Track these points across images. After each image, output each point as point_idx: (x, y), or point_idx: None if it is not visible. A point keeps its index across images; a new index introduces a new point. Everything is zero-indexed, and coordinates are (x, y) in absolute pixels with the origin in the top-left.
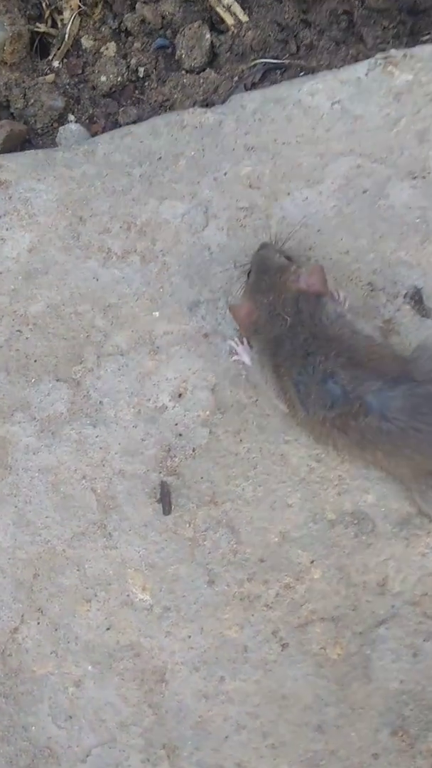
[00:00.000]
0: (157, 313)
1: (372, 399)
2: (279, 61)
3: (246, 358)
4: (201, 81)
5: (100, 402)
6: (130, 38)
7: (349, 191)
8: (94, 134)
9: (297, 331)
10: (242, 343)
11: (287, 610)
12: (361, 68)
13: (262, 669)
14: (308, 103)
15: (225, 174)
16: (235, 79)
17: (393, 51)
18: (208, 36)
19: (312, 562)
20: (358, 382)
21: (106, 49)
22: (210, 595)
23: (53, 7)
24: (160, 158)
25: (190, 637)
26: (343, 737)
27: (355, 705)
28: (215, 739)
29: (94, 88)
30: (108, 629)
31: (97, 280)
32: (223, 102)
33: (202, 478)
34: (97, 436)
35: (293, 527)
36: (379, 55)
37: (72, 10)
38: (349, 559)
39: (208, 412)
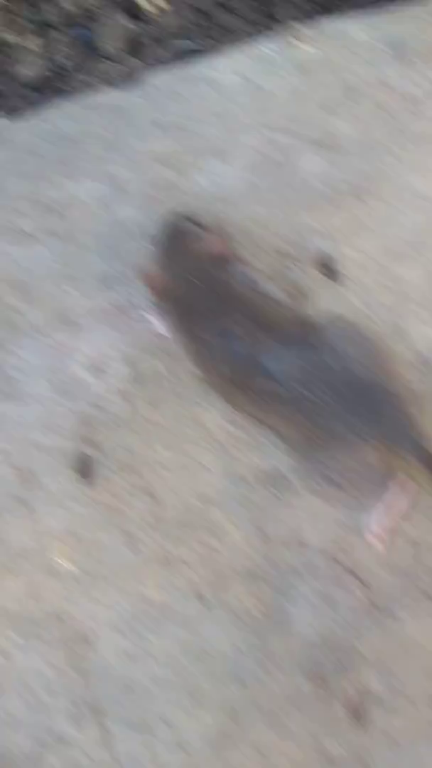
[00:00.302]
0: (71, 289)
1: (267, 361)
2: (197, 45)
3: (161, 327)
4: (121, 68)
5: (16, 378)
6: (51, 30)
7: (260, 164)
8: None
9: (207, 294)
10: (156, 313)
11: (208, 569)
12: (269, 44)
13: (184, 627)
14: (218, 80)
15: (137, 152)
16: (155, 64)
17: (299, 26)
18: (128, 25)
19: (231, 521)
20: (258, 343)
21: (28, 41)
22: (131, 559)
23: None
24: (72, 140)
25: (112, 600)
26: (262, 687)
27: (273, 656)
28: (140, 698)
29: (15, 80)
30: (32, 598)
31: (10, 259)
32: (134, 83)
33: (121, 447)
34: (13, 412)
35: (212, 489)
36: (286, 31)
37: None
38: (266, 516)
39: (125, 384)
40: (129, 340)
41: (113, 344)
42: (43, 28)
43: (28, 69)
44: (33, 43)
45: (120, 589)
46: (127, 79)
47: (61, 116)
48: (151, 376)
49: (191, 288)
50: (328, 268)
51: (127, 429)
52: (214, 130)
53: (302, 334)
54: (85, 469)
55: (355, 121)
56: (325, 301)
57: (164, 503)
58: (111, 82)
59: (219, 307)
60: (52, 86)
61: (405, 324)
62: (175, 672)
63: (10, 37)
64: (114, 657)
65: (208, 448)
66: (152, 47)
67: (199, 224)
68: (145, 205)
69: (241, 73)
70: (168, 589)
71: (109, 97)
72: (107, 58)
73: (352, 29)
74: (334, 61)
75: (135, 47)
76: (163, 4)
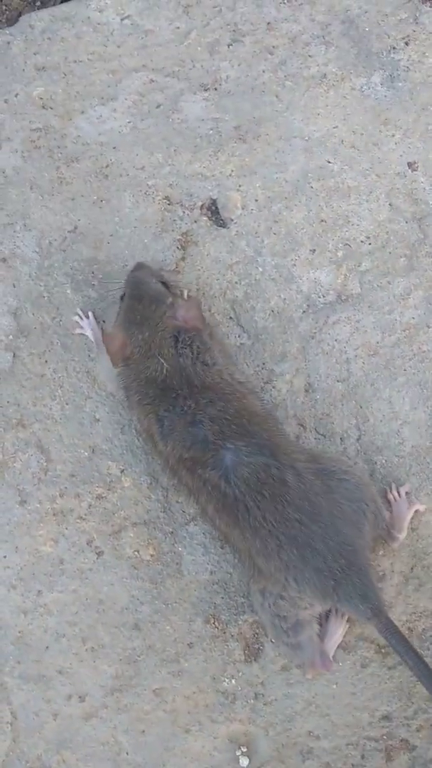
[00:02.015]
0: None
1: (226, 455)
2: None
3: (89, 333)
4: (3, 8)
5: None
6: None
7: (143, 107)
8: None
9: (173, 376)
10: (87, 317)
11: (100, 519)
12: None
13: (79, 578)
14: (98, 20)
15: (16, 96)
16: (34, 5)
17: None
18: None
19: (122, 471)
20: (223, 436)
21: None
22: (22, 514)
23: None
24: None
25: (5, 557)
26: (158, 632)
27: (169, 600)
28: (36, 651)
29: None
30: None
31: None
32: (11, 24)
33: (8, 402)
34: None
35: (102, 440)
36: None
37: None
38: (158, 464)
39: (10, 336)
40: (13, 291)
41: None
42: None
43: None
44: None
45: (12, 546)
46: (4, 20)
47: None
48: (38, 328)
49: (156, 367)
50: (216, 214)
51: (14, 383)
52: (96, 73)
53: (272, 446)
54: None
55: (240, 63)
56: (215, 249)
57: (54, 457)
58: None
59: (183, 389)
60: None
61: (293, 268)
62: (71, 624)
63: None
64: (8, 613)
65: (98, 399)
66: None
67: (165, 283)
68: (28, 151)
69: (122, 13)
70: (61, 542)
71: None
72: None
73: None
74: (219, 2)
75: None
76: None
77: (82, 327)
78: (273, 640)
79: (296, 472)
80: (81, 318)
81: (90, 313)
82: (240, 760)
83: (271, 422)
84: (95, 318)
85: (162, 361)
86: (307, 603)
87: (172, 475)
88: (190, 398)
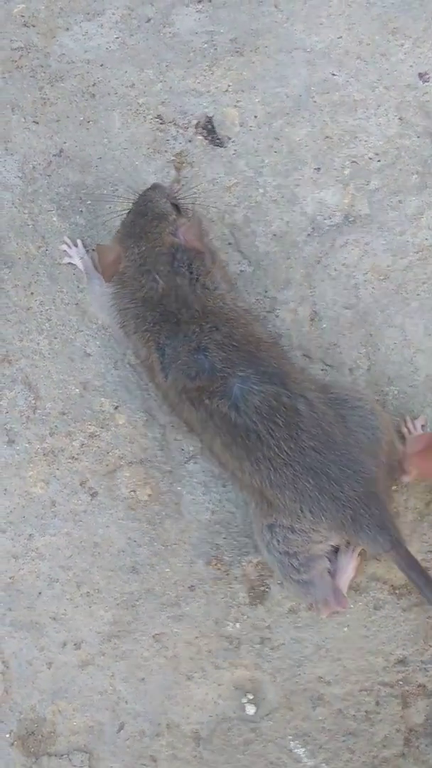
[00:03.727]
0: None
1: (235, 384)
2: None
3: (78, 263)
4: None
5: None
6: None
7: (132, 21)
8: None
9: (169, 295)
10: (76, 245)
11: (94, 459)
12: None
13: (72, 520)
14: None
15: None
16: None
17: None
18: None
19: (116, 408)
20: (230, 363)
21: None
22: (11, 454)
23: None
24: None
25: None
26: (157, 575)
27: (168, 542)
28: (28, 597)
29: None
30: None
31: None
32: None
33: None
34: None
35: (94, 376)
36: None
37: None
38: (154, 401)
39: None
40: None
41: None
42: None
43: None
44: None
45: (0, 488)
46: None
47: None
48: (22, 258)
49: (152, 285)
50: (212, 132)
51: None
52: None
53: (282, 375)
54: None
55: None
56: (211, 169)
57: (43, 394)
58: None
59: (185, 314)
60: None
61: (296, 188)
62: (65, 568)
63: None
64: None
65: (89, 332)
66: None
67: (177, 206)
68: (10, 71)
69: None
70: (52, 483)
71: None
72: None
73: None
74: None
75: None
76: None
77: (70, 256)
78: (282, 580)
79: (308, 400)
80: (69, 246)
81: (78, 241)
82: (246, 708)
83: (278, 351)
84: (84, 246)
85: (157, 277)
86: (322, 536)
87: (172, 410)
88: (192, 323)
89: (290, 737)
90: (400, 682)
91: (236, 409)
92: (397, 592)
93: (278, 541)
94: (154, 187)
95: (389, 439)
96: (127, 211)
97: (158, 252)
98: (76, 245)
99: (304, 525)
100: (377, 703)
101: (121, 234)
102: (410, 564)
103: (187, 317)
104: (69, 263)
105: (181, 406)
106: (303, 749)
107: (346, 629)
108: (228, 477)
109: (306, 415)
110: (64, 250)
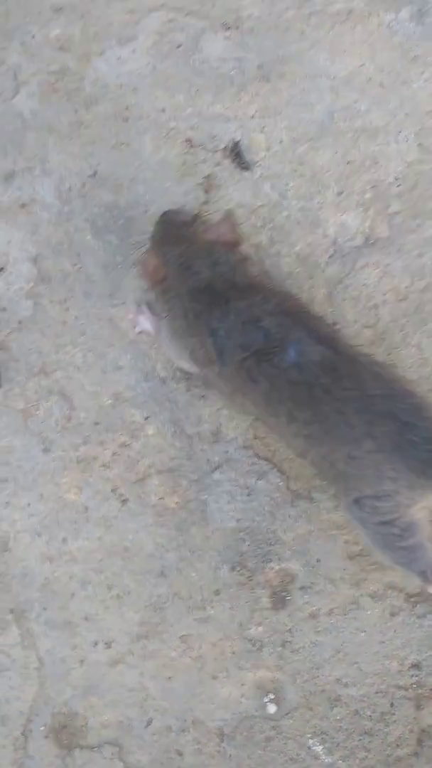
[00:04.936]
0: None
1: (292, 346)
2: None
3: (149, 326)
4: None
5: None
6: None
7: (163, 47)
8: None
9: (215, 281)
10: (142, 312)
11: (124, 467)
12: None
13: (104, 526)
14: None
15: (33, 37)
16: None
17: None
18: None
19: (146, 418)
20: (285, 328)
21: None
22: (46, 462)
23: None
24: None
25: (29, 504)
26: (184, 579)
27: (194, 548)
28: (62, 598)
29: None
30: None
31: None
32: None
33: (30, 349)
34: None
35: (125, 388)
36: None
37: None
38: (182, 412)
39: (31, 284)
40: (33, 238)
41: (17, 243)
42: None
43: None
44: None
45: (37, 494)
46: None
47: None
48: (58, 275)
49: (195, 276)
50: (239, 156)
51: (35, 330)
52: (114, 13)
53: (334, 340)
54: None
55: (263, 0)
56: (238, 192)
57: (77, 404)
58: None
59: (232, 294)
60: None
61: (319, 211)
62: (97, 571)
63: None
64: (34, 561)
65: (121, 346)
66: None
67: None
68: (46, 94)
69: None
70: (85, 489)
71: None
72: None
73: None
74: None
75: None
76: None
77: (138, 323)
78: (384, 554)
79: (362, 360)
80: (136, 314)
81: (144, 306)
82: (268, 707)
83: (326, 323)
84: (149, 308)
85: (200, 269)
86: (408, 497)
87: (232, 402)
88: (241, 300)
89: (309, 735)
90: (414, 686)
91: (298, 367)
92: (412, 600)
93: (368, 513)
94: (165, 213)
95: None
96: (154, 227)
97: (196, 249)
98: (142, 312)
99: (387, 486)
100: (392, 705)
101: (156, 244)
102: None
103: (236, 296)
104: (141, 332)
105: (242, 388)
106: (321, 747)
107: (363, 634)
108: (300, 452)
109: (367, 368)
110: (133, 319)
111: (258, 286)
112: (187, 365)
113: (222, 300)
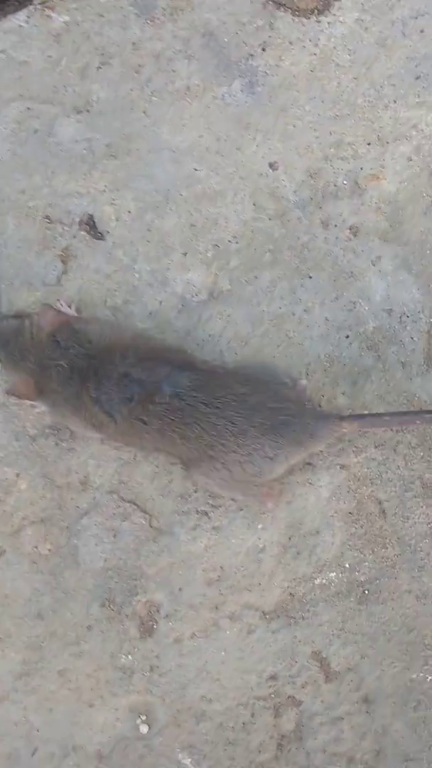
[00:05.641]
0: None
1: (164, 381)
2: None
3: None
4: None
5: None
6: None
7: (21, 133)
8: None
9: (75, 362)
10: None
11: (0, 521)
12: (21, 16)
13: None
14: None
15: None
16: None
17: None
18: None
19: (18, 475)
20: (150, 371)
21: None
22: None
23: None
24: None
25: None
26: (59, 618)
27: (67, 589)
28: None
29: None
30: None
31: None
32: None
33: None
34: None
35: None
36: (36, 1)
37: None
38: (52, 466)
39: None
40: None
41: None
42: None
43: None
44: None
45: None
46: None
47: None
48: None
49: (58, 370)
50: (93, 228)
51: None
52: None
53: (190, 363)
54: None
55: (109, 83)
56: (94, 260)
57: None
58: None
59: (94, 365)
60: None
61: (167, 271)
62: None
63: None
64: None
65: None
66: None
67: (19, 314)
68: None
69: None
70: None
71: None
72: None
73: None
74: (86, 27)
75: None
76: None
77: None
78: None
79: (220, 368)
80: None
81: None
82: (140, 728)
83: (179, 352)
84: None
85: (58, 363)
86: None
87: (131, 446)
88: (105, 365)
89: (178, 750)
90: (272, 695)
91: (177, 396)
92: (267, 617)
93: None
94: None
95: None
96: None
97: (43, 347)
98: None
99: (267, 451)
100: (252, 715)
101: (10, 367)
102: (372, 418)
103: (98, 365)
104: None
105: (138, 432)
106: (190, 759)
107: (223, 653)
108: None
109: (228, 373)
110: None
111: (111, 345)
112: (90, 434)
113: (90, 374)
